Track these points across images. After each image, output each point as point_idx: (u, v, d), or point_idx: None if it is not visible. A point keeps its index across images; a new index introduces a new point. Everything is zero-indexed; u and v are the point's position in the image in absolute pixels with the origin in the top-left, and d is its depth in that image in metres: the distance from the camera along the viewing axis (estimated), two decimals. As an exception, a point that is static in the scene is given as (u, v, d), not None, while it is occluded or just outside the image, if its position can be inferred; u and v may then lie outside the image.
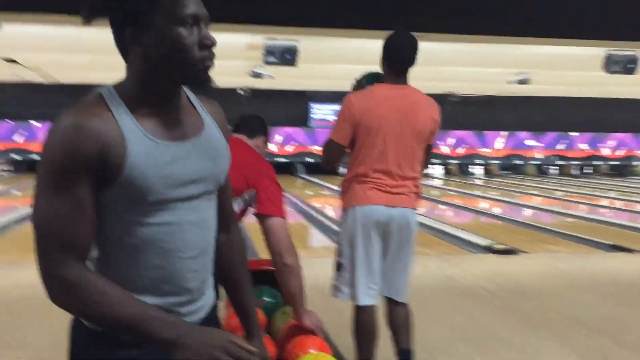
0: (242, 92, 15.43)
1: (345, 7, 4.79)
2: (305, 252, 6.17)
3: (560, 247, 6.74)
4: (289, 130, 17.25)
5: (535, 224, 8.44)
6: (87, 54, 9.84)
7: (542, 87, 13.77)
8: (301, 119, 17.56)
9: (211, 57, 1.19)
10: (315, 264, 5.29)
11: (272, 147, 17.15)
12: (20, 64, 11.17)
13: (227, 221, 1.42)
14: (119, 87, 1.20)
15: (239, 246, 1.46)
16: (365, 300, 2.74)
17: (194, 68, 1.17)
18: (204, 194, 1.26)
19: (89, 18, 1.18)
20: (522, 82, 12.15)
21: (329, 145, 2.78)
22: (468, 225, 8.54)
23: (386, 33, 5.09)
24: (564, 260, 5.94)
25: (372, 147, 2.67)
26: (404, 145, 2.68)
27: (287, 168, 16.97)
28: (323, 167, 2.92)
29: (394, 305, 2.81)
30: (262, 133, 2.62)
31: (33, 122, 15.87)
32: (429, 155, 2.86)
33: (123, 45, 1.19)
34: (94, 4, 1.16)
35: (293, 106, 17.35)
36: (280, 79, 12.00)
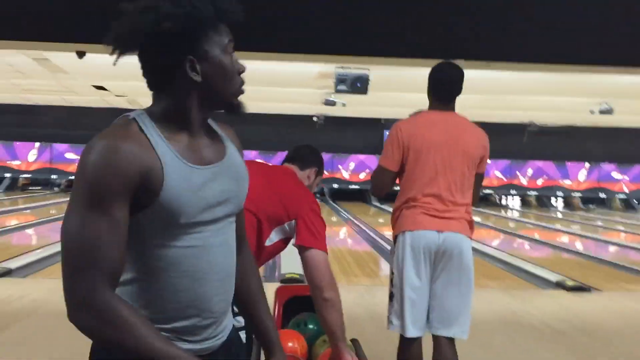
0: (317, 120, 15.65)
1: (414, 36, 4.81)
2: (369, 280, 6.14)
3: (641, 287, 6.37)
4: (362, 157, 17.30)
5: (616, 262, 8.01)
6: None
7: (626, 117, 13.16)
8: (376, 147, 17.58)
9: (244, 83, 1.29)
10: (378, 293, 5.27)
11: (344, 174, 17.25)
12: (109, 91, 11.86)
13: (240, 242, 1.44)
14: (150, 113, 1.24)
15: (252, 266, 1.50)
16: (412, 332, 2.66)
17: (236, 94, 1.27)
18: (228, 216, 1.30)
19: (131, 50, 1.23)
20: (605, 111, 11.65)
21: (378, 172, 2.78)
22: (541, 259, 8.22)
23: (460, 62, 5.07)
24: (641, 301, 5.61)
25: (421, 171, 2.66)
26: (453, 170, 2.66)
27: (359, 195, 16.98)
28: (373, 195, 2.93)
29: (442, 341, 2.69)
30: (315, 165, 2.59)
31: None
32: (480, 185, 2.82)
33: (166, 73, 1.22)
34: (147, 35, 1.19)
35: (368, 133, 17.41)
36: (354, 106, 12.11)
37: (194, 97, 1.23)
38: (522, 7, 4.65)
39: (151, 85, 1.26)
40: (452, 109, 2.76)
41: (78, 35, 4.41)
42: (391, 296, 2.73)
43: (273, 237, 2.26)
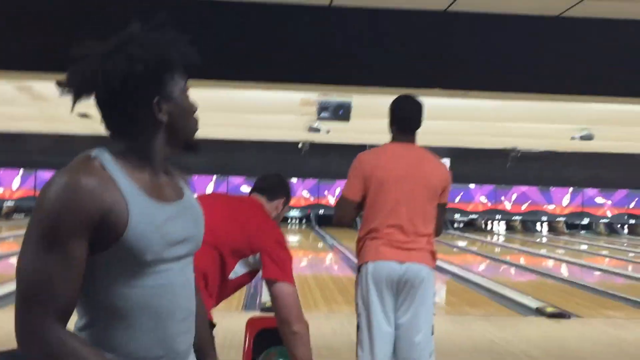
0: (302, 146, 15.73)
1: (396, 66, 4.90)
2: (351, 308, 6.14)
3: (621, 313, 6.41)
4: (349, 183, 17.38)
5: (597, 287, 8.06)
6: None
7: (606, 143, 13.36)
8: (361, 172, 17.68)
9: (198, 121, 1.33)
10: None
11: (330, 200, 17.28)
12: (92, 118, 11.88)
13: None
14: (111, 150, 1.24)
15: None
16: None
17: (194, 133, 1.31)
18: (188, 254, 1.30)
19: (91, 93, 1.25)
20: (585, 138, 11.83)
21: (340, 202, 2.83)
22: (523, 285, 8.26)
23: (437, 91, 5.13)
24: (619, 327, 5.64)
25: (383, 202, 2.69)
26: (415, 201, 2.70)
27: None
28: (336, 224, 2.94)
29: None
30: (284, 195, 2.56)
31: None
32: (443, 216, 2.86)
33: (131, 114, 1.24)
34: (116, 78, 1.20)
35: (354, 159, 17.50)
36: (339, 133, 12.19)
37: (159, 137, 1.26)
38: (501, 38, 4.76)
39: (113, 125, 1.27)
40: (413, 140, 2.82)
41: (57, 65, 4.45)
42: (358, 326, 2.77)
43: (238, 270, 2.27)
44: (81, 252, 1.15)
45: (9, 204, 16.97)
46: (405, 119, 2.80)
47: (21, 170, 16.59)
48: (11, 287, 6.54)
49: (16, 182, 16.68)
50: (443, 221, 2.90)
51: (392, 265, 2.66)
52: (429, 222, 2.75)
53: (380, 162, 2.73)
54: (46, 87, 8.10)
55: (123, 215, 1.17)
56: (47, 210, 1.13)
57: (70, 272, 1.14)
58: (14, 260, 9.37)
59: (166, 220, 1.24)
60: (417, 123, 2.81)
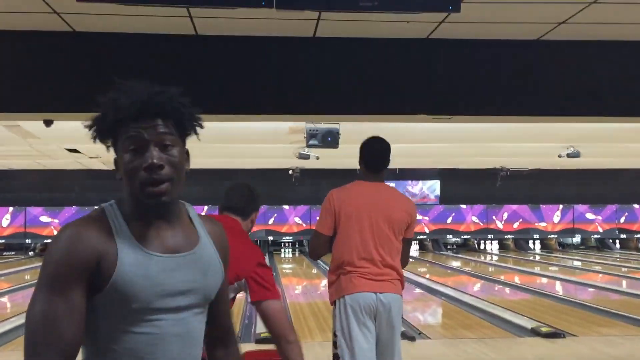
0: (292, 172, 15.77)
1: (381, 94, 4.97)
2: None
3: (616, 330, 6.42)
4: (340, 208, 17.38)
5: (591, 304, 8.08)
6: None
7: (592, 159, 13.51)
8: (352, 197, 17.69)
9: (151, 179, 1.25)
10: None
11: (323, 226, 17.29)
12: (82, 153, 11.88)
13: (225, 335, 1.45)
14: (119, 202, 1.32)
15: None
16: None
17: (138, 190, 1.27)
18: (192, 307, 1.30)
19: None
20: (572, 155, 11.96)
21: (314, 237, 3.00)
22: (517, 304, 8.26)
23: (422, 116, 5.18)
24: (613, 345, 5.65)
25: (352, 236, 2.87)
26: (381, 234, 2.87)
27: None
28: (311, 257, 3.10)
29: None
30: (256, 208, 2.57)
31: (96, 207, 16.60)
32: (408, 250, 3.02)
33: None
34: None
35: (344, 184, 17.53)
36: (328, 159, 12.25)
37: (126, 191, 1.30)
38: (483, 63, 4.85)
39: None
40: (381, 179, 3.02)
41: (44, 106, 4.49)
42: (335, 357, 2.90)
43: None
44: (81, 297, 1.23)
45: (-1, 241, 16.83)
46: (372, 160, 3.02)
47: (10, 208, 16.49)
48: (5, 326, 6.50)
49: (6, 220, 16.57)
50: (408, 255, 3.03)
51: (369, 296, 2.83)
52: (395, 254, 2.91)
53: (348, 199, 2.91)
54: (33, 124, 8.12)
55: (112, 263, 1.24)
56: (50, 260, 1.24)
57: (72, 317, 1.22)
58: (4, 299, 9.29)
59: (160, 271, 1.26)
60: (383, 163, 3.04)
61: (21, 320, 6.66)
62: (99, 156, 12.67)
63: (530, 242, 18.44)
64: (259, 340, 5.53)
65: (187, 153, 1.36)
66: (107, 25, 4.31)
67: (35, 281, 1.27)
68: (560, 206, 18.06)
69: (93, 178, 15.68)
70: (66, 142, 10.42)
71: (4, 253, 16.95)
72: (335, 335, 2.87)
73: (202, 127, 1.35)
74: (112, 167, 1.33)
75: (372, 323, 2.81)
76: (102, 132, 1.29)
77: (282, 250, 17.49)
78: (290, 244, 17.63)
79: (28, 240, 16.56)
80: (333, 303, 2.91)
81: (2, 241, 16.75)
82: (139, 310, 1.24)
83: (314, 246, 3.00)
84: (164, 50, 4.54)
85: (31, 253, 16.65)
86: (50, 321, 1.20)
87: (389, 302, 2.82)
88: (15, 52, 4.46)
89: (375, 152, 3.04)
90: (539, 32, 4.60)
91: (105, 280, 1.23)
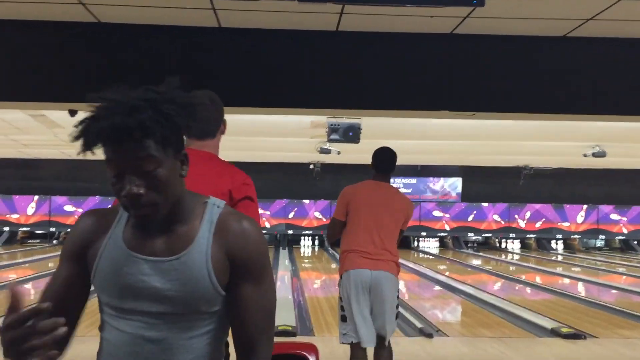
0: (313, 167, 15.78)
1: (403, 89, 4.94)
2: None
3: (638, 332, 6.32)
4: (361, 203, 17.30)
5: (614, 306, 7.96)
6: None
7: (619, 159, 13.28)
8: (373, 193, 17.61)
9: (132, 205, 1.20)
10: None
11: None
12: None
13: (244, 349, 1.31)
14: None
15: None
16: (368, 344, 3.55)
17: (125, 204, 1.23)
18: (169, 315, 1.25)
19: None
20: (598, 155, 11.77)
21: (331, 223, 3.73)
22: (538, 304, 8.17)
23: (445, 113, 5.13)
24: (636, 347, 5.56)
25: (358, 224, 3.55)
26: (382, 224, 3.56)
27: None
28: (328, 241, 4.11)
29: (379, 348, 3.61)
30: (221, 119, 2.24)
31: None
32: (400, 238, 3.73)
33: None
34: None
35: (365, 179, 17.46)
36: (349, 154, 12.23)
37: None
38: (507, 59, 4.79)
39: None
40: (388, 180, 3.73)
41: (69, 96, 4.54)
42: (344, 318, 3.63)
43: None
44: (66, 270, 1.31)
45: (24, 229, 17.12)
46: (381, 165, 3.73)
47: (36, 197, 16.77)
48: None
49: (31, 208, 16.85)
50: (398, 243, 3.73)
51: (365, 272, 3.55)
52: (392, 241, 3.62)
53: (358, 194, 3.62)
54: (58, 113, 8.23)
55: (96, 254, 1.29)
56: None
57: (55, 281, 1.31)
58: (28, 286, 9.45)
59: (136, 272, 1.25)
60: (392, 167, 3.76)
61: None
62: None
63: (553, 242, 18.21)
64: (277, 333, 5.54)
65: (184, 157, 1.27)
66: (132, 17, 4.33)
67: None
68: (585, 206, 17.80)
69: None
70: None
71: (29, 241, 17.26)
72: (340, 300, 3.64)
73: (195, 121, 1.25)
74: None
75: (366, 293, 3.53)
76: (87, 146, 1.22)
77: (302, 244, 17.53)
78: (310, 238, 17.65)
79: (52, 229, 16.82)
80: (340, 275, 3.66)
81: (27, 229, 17.05)
82: (110, 305, 1.29)
83: (330, 230, 3.72)
84: (187, 42, 4.56)
85: (55, 241, 16.91)
86: (50, 280, 1.33)
87: (380, 278, 3.53)
88: (41, 43, 4.51)
89: (385, 158, 3.73)
90: (566, 29, 4.52)
91: (92, 268, 1.30)
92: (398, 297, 3.68)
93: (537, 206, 17.75)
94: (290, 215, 17.19)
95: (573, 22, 4.36)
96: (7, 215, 16.74)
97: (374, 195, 3.58)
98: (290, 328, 5.68)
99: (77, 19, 4.33)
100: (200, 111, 2.03)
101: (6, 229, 16.79)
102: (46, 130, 9.96)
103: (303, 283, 9.89)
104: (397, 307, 3.68)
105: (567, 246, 18.23)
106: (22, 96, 4.69)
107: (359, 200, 3.57)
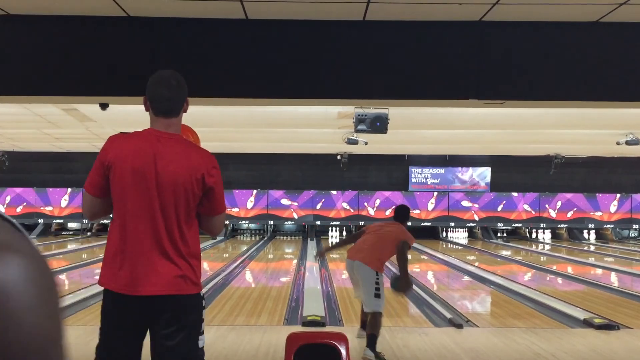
0: (341, 158, 15.76)
1: (432, 78, 4.89)
2: (391, 321, 6.10)
3: (673, 323, 6.19)
4: (387, 194, 17.25)
5: (647, 296, 7.82)
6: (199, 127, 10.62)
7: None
8: (402, 183, 17.55)
9: None
10: (399, 334, 5.24)
11: (370, 212, 17.24)
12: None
13: None
14: None
15: None
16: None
17: None
18: None
19: None
20: (632, 143, 11.52)
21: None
22: (570, 295, 8.07)
23: (474, 102, 5.07)
24: (671, 339, 5.45)
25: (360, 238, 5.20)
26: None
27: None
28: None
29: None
30: (184, 101, 2.34)
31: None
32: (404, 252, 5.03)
33: None
34: None
35: (393, 169, 17.41)
36: (377, 144, 12.20)
37: None
38: (536, 46, 4.71)
39: None
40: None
41: (100, 89, 4.62)
42: (380, 295, 4.78)
43: None
44: None
45: (58, 221, 17.49)
46: (396, 215, 5.16)
47: (69, 189, 17.10)
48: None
49: (64, 201, 17.19)
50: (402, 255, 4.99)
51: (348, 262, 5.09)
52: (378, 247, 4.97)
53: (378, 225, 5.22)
54: (90, 107, 8.36)
55: None
56: None
57: None
58: (62, 277, 9.66)
59: None
60: (401, 219, 5.11)
61: (77, 297, 6.92)
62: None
63: (585, 232, 17.92)
64: (306, 323, 5.59)
65: None
66: (160, 10, 4.37)
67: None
68: (618, 195, 17.47)
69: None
70: (121, 125, 10.69)
71: (62, 232, 17.64)
72: (378, 283, 4.83)
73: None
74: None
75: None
76: None
77: (330, 235, 17.55)
78: (337, 229, 17.68)
79: (85, 221, 17.15)
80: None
81: (61, 221, 17.42)
82: None
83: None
84: (214, 34, 4.59)
85: (88, 233, 17.25)
86: None
87: (358, 266, 4.90)
88: (71, 37, 4.58)
89: (400, 212, 5.17)
90: (599, 13, 4.42)
91: None
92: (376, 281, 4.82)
93: (569, 195, 17.47)
94: (318, 206, 17.22)
95: (606, 6, 4.26)
96: (41, 208, 17.11)
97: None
98: (319, 318, 5.71)
99: (107, 13, 4.39)
100: (169, 89, 2.24)
101: (40, 221, 17.17)
102: (78, 124, 10.13)
103: (331, 274, 9.91)
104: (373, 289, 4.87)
105: (600, 236, 17.92)
106: (53, 90, 4.77)
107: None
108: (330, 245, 5.28)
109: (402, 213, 5.11)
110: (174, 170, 2.18)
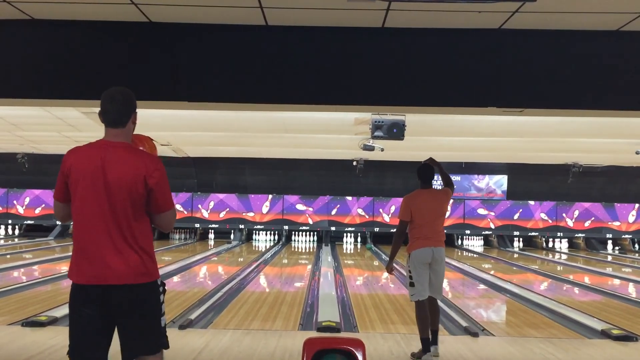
0: (357, 164, 15.75)
1: (450, 86, 4.89)
2: (407, 328, 6.08)
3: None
4: (404, 201, 17.16)
5: (667, 308, 7.70)
6: (217, 132, 10.69)
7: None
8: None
9: None
10: (414, 342, 5.22)
11: (385, 218, 17.19)
12: (155, 141, 12.26)
13: None
14: None
15: None
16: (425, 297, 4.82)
17: None
18: None
19: None
20: (651, 152, 11.41)
21: (399, 225, 4.97)
22: (587, 305, 7.98)
23: (492, 110, 5.05)
24: (691, 351, 5.37)
25: (419, 221, 4.85)
26: (432, 217, 4.86)
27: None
28: (396, 238, 5.00)
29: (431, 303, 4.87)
30: (131, 114, 2.67)
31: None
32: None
33: None
34: None
35: (408, 176, 17.32)
36: (393, 150, 12.18)
37: None
38: (555, 55, 4.69)
39: None
40: (430, 186, 4.97)
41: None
42: (413, 283, 4.83)
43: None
44: None
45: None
46: (426, 175, 4.93)
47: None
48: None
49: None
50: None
51: (426, 250, 4.82)
52: (441, 227, 4.95)
53: (416, 200, 4.87)
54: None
55: None
56: None
57: None
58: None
59: None
60: (430, 179, 4.96)
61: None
62: (170, 143, 13.06)
63: (607, 242, 17.74)
64: (320, 329, 5.59)
65: None
66: (181, 16, 4.43)
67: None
68: (637, 205, 17.27)
69: (165, 165, 16.16)
70: (140, 129, 10.78)
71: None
72: (410, 272, 4.85)
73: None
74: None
75: (427, 266, 4.84)
76: None
77: (345, 241, 17.53)
78: (352, 235, 17.65)
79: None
80: (409, 255, 4.87)
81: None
82: None
83: (399, 229, 4.95)
84: (234, 40, 4.63)
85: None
86: None
87: (437, 253, 4.82)
88: (93, 42, 4.65)
89: (424, 173, 4.93)
90: (619, 22, 4.40)
91: None
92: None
93: (587, 205, 17.30)
94: (333, 212, 17.22)
95: (627, 15, 4.24)
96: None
97: (427, 199, 4.90)
98: (334, 324, 5.71)
99: (129, 18, 4.45)
100: (112, 104, 2.61)
101: (58, 223, 17.35)
102: (98, 127, 10.23)
103: (346, 279, 9.90)
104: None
105: (618, 246, 17.71)
106: (74, 94, 4.84)
107: (418, 205, 4.86)
108: (391, 254, 4.94)
109: (430, 174, 4.92)
110: (119, 174, 2.51)
